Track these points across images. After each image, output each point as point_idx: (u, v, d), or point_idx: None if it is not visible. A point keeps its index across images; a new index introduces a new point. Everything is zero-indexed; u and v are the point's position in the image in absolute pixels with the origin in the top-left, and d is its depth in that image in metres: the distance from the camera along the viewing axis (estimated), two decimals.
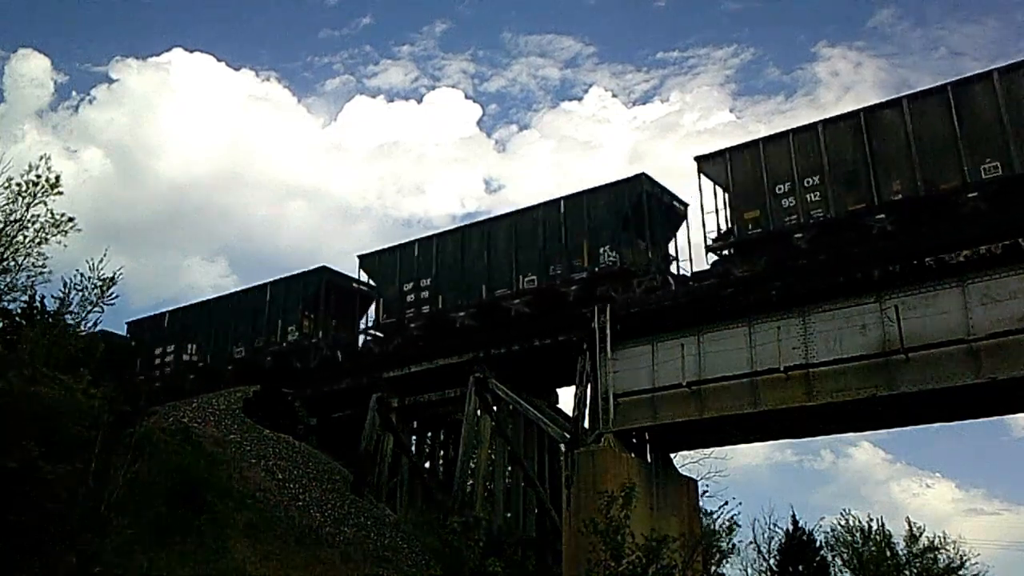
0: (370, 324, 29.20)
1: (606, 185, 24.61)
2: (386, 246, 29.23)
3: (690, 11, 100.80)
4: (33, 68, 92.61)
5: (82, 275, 17.28)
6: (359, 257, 29.68)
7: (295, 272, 31.62)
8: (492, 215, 27.77)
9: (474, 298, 25.86)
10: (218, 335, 31.99)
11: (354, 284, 30.42)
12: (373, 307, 29.03)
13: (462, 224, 27.89)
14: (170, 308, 34.50)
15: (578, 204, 24.64)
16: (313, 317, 30.08)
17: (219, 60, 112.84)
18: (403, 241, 28.84)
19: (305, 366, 29.40)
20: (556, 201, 25.30)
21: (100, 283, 17.29)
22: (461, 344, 25.50)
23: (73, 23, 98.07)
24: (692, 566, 19.01)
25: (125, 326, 34.06)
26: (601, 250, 23.56)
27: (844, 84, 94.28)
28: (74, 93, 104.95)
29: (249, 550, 18.70)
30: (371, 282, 29.39)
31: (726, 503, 28.27)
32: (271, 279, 31.90)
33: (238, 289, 33.80)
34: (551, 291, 24.27)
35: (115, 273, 17.53)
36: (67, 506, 14.65)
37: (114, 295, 17.59)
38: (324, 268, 31.04)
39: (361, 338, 29.95)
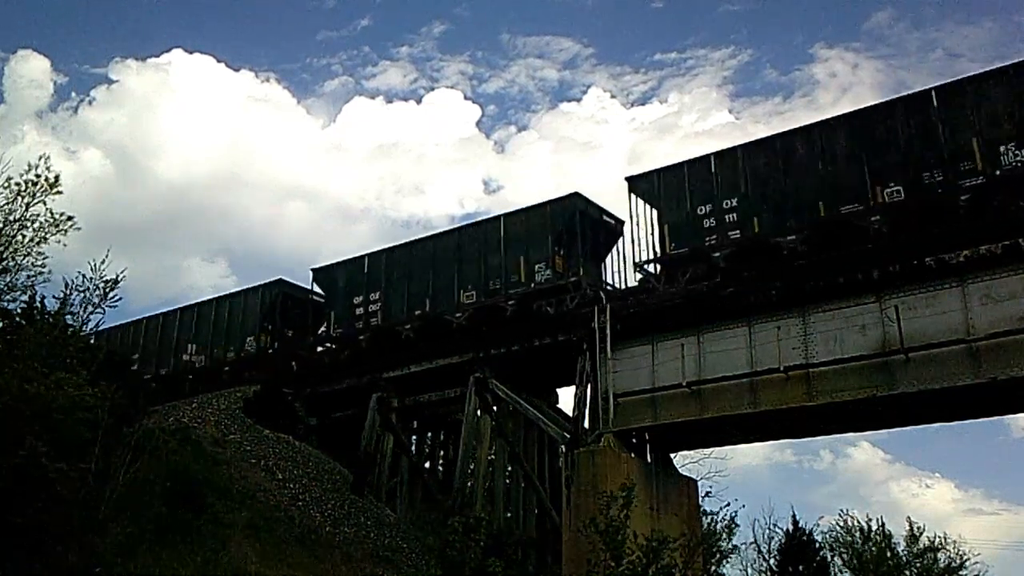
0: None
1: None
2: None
3: (687, 12, 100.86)
4: (33, 69, 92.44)
5: (84, 276, 17.27)
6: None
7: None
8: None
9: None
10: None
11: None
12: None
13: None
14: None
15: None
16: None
17: (219, 61, 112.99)
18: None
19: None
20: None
21: (102, 284, 17.28)
22: (461, 344, 25.51)
23: (73, 24, 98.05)
24: (692, 566, 19.00)
25: (311, 273, 32.58)
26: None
27: (842, 85, 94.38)
28: (74, 94, 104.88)
29: (249, 550, 18.68)
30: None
31: (728, 504, 28.26)
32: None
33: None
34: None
35: (118, 275, 17.53)
36: (67, 506, 14.66)
37: (117, 297, 17.60)
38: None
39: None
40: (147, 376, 30.59)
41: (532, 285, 24.35)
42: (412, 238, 28.81)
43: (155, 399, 24.55)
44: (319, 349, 30.19)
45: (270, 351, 30.73)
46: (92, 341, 20.14)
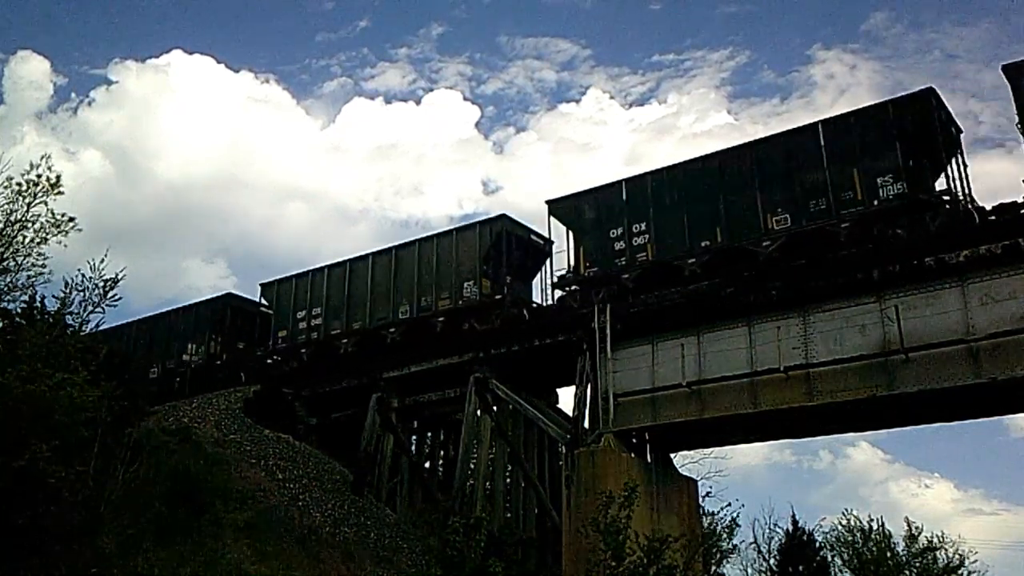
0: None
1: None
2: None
3: (685, 14, 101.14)
4: (32, 70, 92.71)
5: (84, 276, 17.25)
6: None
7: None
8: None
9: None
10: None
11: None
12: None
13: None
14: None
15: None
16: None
17: (218, 62, 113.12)
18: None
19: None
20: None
21: (102, 284, 17.25)
22: (461, 344, 25.52)
23: (72, 25, 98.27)
24: (693, 567, 18.99)
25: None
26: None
27: (839, 86, 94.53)
28: (73, 95, 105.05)
29: (249, 550, 18.67)
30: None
31: (728, 504, 28.24)
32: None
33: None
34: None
35: (118, 274, 17.50)
36: (67, 506, 14.66)
37: (117, 296, 17.57)
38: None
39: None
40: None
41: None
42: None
43: (154, 399, 24.57)
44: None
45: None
46: (95, 341, 20.10)
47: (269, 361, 30.21)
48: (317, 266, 30.57)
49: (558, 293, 24.81)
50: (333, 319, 28.97)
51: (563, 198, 25.29)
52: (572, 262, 24.33)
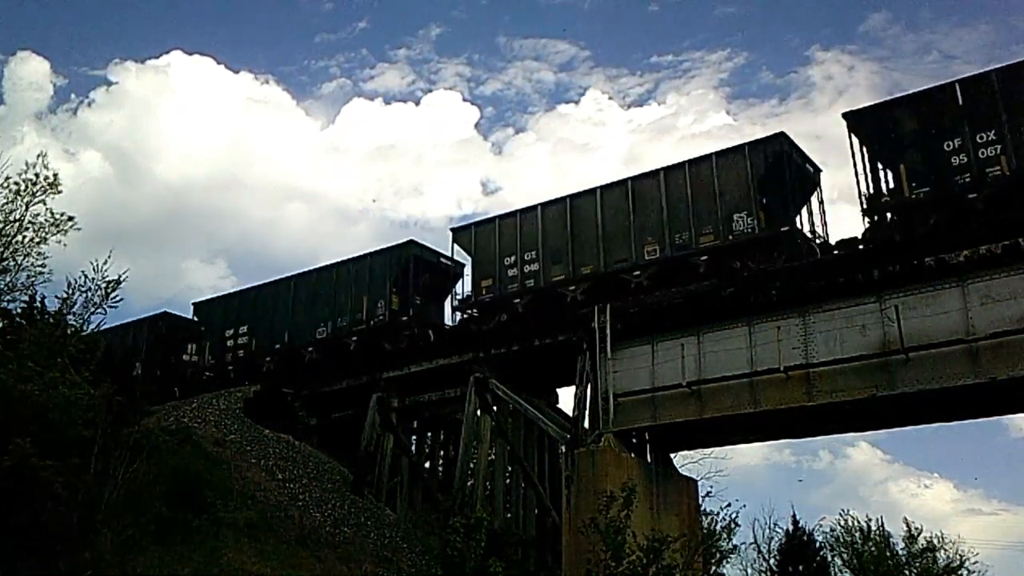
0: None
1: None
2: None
3: (683, 15, 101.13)
4: (32, 71, 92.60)
5: (86, 276, 17.25)
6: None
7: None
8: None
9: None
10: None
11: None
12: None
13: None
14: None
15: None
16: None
17: (218, 63, 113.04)
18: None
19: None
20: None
21: (104, 285, 17.25)
22: (461, 344, 25.52)
23: (72, 26, 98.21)
24: (692, 566, 18.99)
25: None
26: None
27: (838, 88, 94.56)
28: (73, 96, 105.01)
29: (249, 550, 18.67)
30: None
31: (728, 504, 28.21)
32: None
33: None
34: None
35: (120, 275, 17.51)
36: (67, 506, 14.65)
37: (118, 297, 17.57)
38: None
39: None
40: None
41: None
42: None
43: (155, 399, 24.56)
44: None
45: (404, 318, 30.23)
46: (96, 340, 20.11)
47: (466, 315, 27.27)
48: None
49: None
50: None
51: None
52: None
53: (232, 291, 32.79)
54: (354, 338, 27.87)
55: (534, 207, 25.47)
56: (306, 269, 30.99)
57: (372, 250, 29.22)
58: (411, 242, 28.38)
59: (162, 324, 33.66)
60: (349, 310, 28.28)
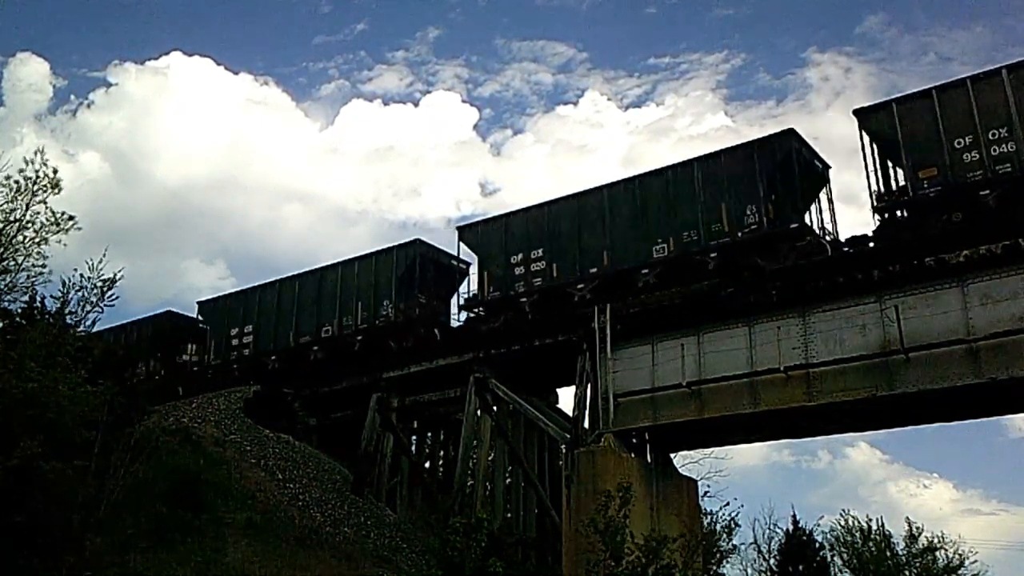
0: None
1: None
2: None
3: (680, 17, 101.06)
4: (32, 72, 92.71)
5: (82, 275, 17.22)
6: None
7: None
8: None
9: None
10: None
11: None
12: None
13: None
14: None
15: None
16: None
17: (218, 64, 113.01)
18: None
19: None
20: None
21: (100, 283, 17.22)
22: (461, 344, 25.52)
23: (72, 27, 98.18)
24: (692, 566, 18.98)
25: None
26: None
27: (835, 89, 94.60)
28: (72, 97, 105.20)
29: (249, 550, 18.68)
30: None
31: (727, 503, 28.20)
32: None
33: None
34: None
35: (115, 274, 17.47)
36: (67, 506, 14.65)
37: (114, 295, 17.54)
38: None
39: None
40: None
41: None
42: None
43: (155, 399, 24.57)
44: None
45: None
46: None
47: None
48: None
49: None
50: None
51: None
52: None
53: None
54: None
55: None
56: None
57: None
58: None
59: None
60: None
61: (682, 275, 21.88)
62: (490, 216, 26.45)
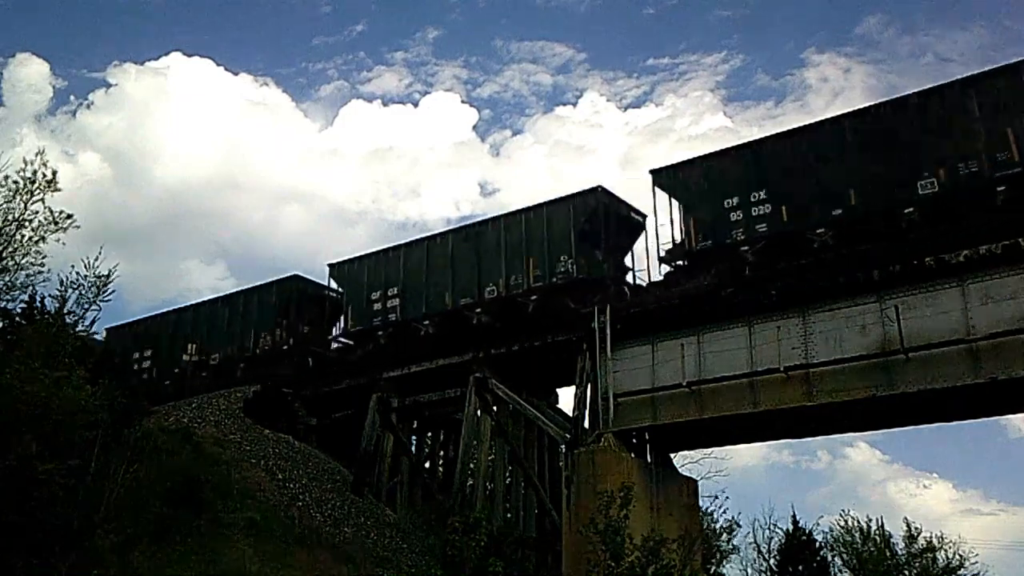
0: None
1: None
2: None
3: (679, 18, 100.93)
4: (32, 73, 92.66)
5: (78, 274, 17.23)
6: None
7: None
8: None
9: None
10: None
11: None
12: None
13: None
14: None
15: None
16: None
17: (218, 64, 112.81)
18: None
19: None
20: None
21: (96, 281, 17.21)
22: (461, 344, 25.51)
23: (72, 28, 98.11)
24: (691, 565, 18.98)
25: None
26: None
27: (833, 90, 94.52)
28: (72, 98, 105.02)
29: (249, 550, 18.68)
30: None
31: (716, 497, 28.15)
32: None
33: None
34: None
35: (110, 271, 17.47)
36: (67, 506, 14.65)
37: (110, 292, 17.53)
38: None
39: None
40: None
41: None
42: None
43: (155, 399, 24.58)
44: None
45: (285, 347, 31.32)
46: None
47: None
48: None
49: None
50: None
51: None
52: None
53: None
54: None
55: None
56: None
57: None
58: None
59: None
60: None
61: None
62: (693, 156, 23.77)
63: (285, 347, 29.41)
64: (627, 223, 24.95)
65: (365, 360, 27.55)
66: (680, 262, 22.70)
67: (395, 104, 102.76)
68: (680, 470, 24.04)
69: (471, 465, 25.32)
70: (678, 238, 22.71)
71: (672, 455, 23.70)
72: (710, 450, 26.13)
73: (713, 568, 27.34)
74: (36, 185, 17.05)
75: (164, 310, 34.62)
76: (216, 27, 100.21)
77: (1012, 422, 75.15)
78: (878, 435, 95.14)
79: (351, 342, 28.53)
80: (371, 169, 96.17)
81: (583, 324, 22.47)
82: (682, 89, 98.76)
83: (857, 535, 29.87)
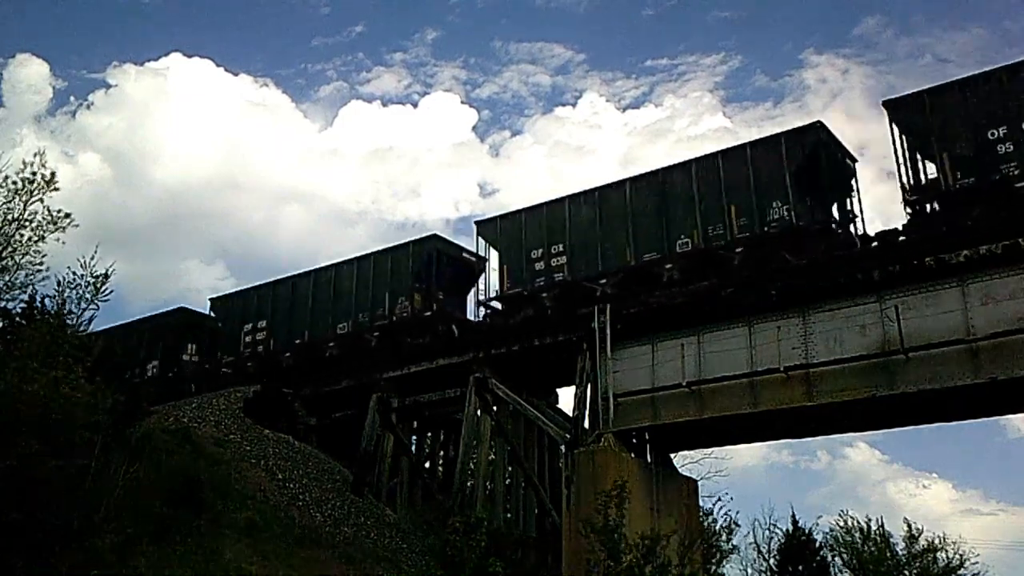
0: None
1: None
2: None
3: (677, 20, 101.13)
4: (32, 73, 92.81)
5: (75, 273, 17.26)
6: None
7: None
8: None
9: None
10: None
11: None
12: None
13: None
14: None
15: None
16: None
17: (218, 65, 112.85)
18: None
19: None
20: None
21: (93, 280, 17.24)
22: (461, 344, 25.51)
23: (72, 29, 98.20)
24: (690, 564, 18.99)
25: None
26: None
27: (832, 91, 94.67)
28: (72, 98, 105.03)
29: (249, 550, 18.67)
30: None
31: (718, 498, 28.18)
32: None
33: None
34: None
35: (108, 269, 17.50)
36: (67, 506, 14.66)
37: (108, 291, 17.55)
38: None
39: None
40: None
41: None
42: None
43: (155, 399, 24.55)
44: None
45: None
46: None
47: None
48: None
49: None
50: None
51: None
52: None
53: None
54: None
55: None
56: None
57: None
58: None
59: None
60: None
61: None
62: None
63: (427, 314, 26.66)
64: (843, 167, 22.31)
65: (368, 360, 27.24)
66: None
67: (394, 105, 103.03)
68: (680, 470, 24.04)
69: (471, 465, 25.31)
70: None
71: (672, 455, 23.70)
72: (710, 450, 26.15)
73: (713, 568, 27.32)
74: (35, 185, 17.09)
75: (281, 276, 32.02)
76: (216, 27, 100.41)
77: (1012, 422, 75.36)
78: (878, 435, 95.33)
79: (501, 306, 25.79)
80: (371, 169, 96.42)
81: (583, 324, 22.46)
82: (681, 90, 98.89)
83: (857, 535, 29.87)
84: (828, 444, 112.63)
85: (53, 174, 17.27)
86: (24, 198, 17.03)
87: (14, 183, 17.09)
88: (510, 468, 26.59)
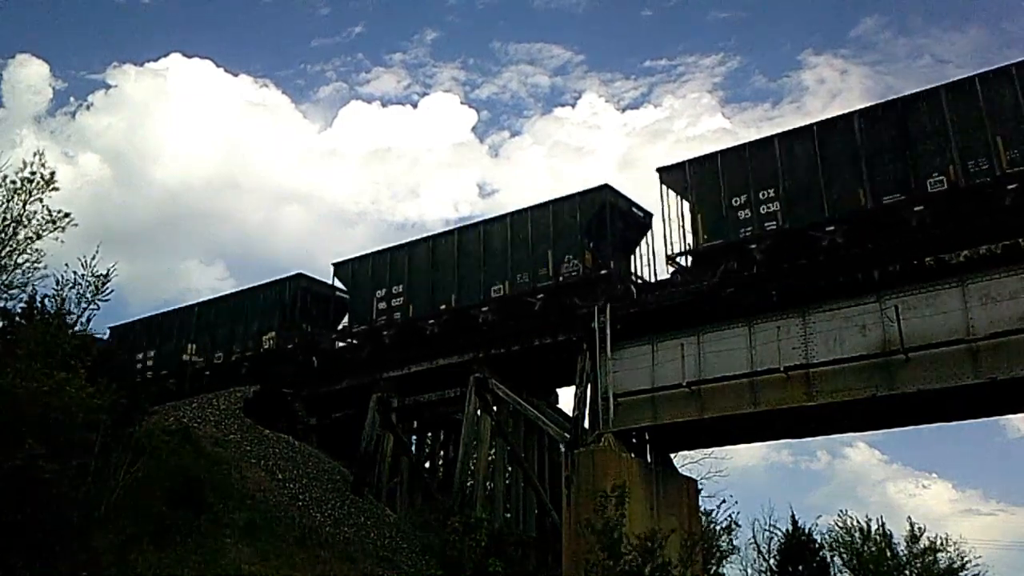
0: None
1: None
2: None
3: (676, 20, 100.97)
4: (31, 74, 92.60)
5: (75, 273, 17.28)
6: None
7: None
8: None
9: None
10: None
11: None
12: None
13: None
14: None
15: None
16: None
17: (218, 65, 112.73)
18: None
19: None
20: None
21: (94, 280, 17.26)
22: (461, 344, 25.51)
23: (71, 29, 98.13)
24: (691, 565, 19.00)
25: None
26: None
27: (831, 91, 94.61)
28: (72, 99, 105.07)
29: (249, 550, 18.68)
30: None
31: (723, 501, 28.24)
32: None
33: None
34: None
35: (108, 269, 17.52)
36: (67, 506, 14.66)
37: (109, 291, 17.58)
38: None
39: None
40: None
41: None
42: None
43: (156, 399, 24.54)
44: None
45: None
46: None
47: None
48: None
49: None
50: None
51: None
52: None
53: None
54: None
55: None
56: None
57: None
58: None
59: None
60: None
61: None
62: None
63: (603, 272, 23.23)
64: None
65: (368, 360, 27.41)
66: None
67: (394, 105, 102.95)
68: (680, 470, 24.05)
69: (471, 465, 25.32)
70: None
71: (672, 455, 23.70)
72: (710, 450, 26.21)
73: (713, 568, 27.33)
74: (34, 185, 17.12)
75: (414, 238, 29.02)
76: (216, 28, 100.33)
77: (1012, 422, 75.35)
78: (878, 435, 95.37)
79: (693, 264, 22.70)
80: (370, 170, 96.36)
81: (583, 324, 22.47)
82: (680, 90, 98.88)
83: (857, 535, 29.90)
84: (828, 444, 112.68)
85: (52, 174, 17.31)
86: (23, 197, 17.05)
87: (13, 183, 17.12)
88: (510, 468, 26.59)
